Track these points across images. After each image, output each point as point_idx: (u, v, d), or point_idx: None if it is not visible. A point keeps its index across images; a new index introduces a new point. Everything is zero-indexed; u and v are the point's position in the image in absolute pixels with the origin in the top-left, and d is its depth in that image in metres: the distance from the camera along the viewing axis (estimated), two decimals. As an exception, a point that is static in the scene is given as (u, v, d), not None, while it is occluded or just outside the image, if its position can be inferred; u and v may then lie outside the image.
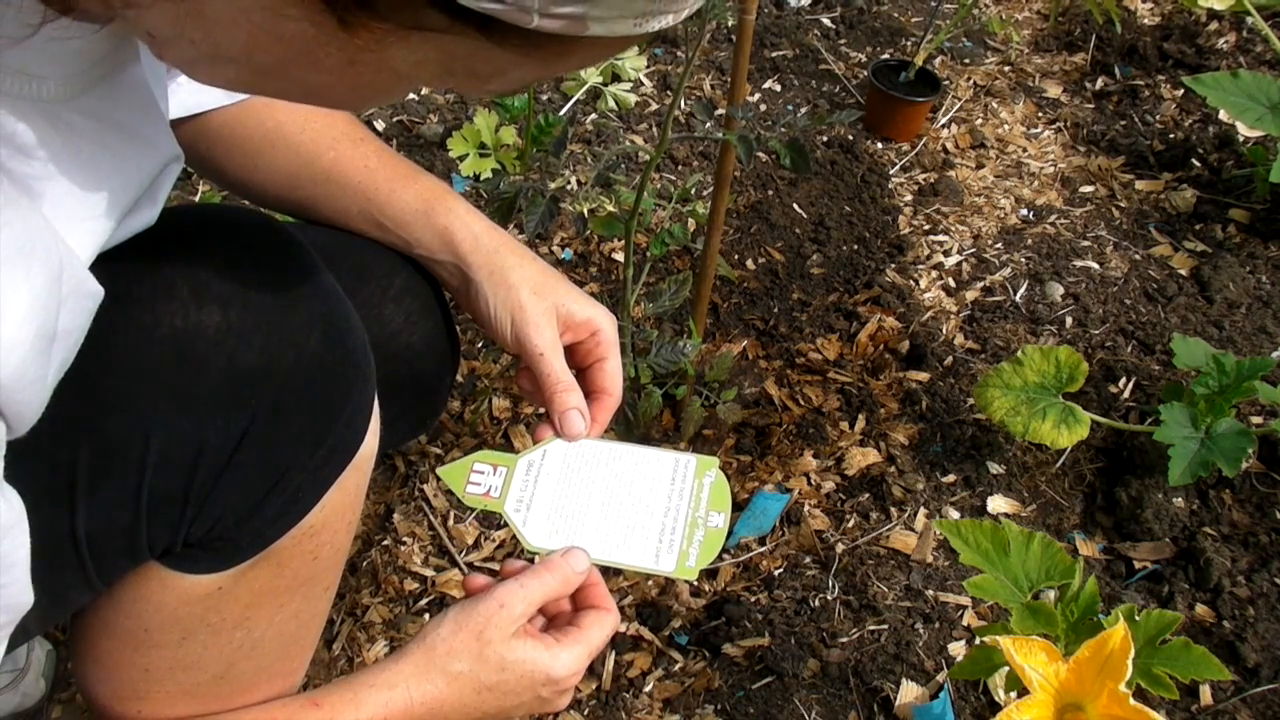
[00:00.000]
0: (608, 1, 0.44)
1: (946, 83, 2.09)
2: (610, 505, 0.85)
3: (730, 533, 1.35)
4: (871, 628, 1.25)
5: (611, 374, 0.90)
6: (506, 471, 0.85)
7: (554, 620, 0.83)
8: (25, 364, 0.50)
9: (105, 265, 0.58)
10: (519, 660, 0.76)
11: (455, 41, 0.45)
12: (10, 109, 0.50)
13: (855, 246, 1.78)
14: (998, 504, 1.39)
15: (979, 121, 2.06)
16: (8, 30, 0.48)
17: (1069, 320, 1.64)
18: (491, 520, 1.40)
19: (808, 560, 1.34)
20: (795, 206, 1.83)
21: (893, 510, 1.38)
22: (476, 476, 0.85)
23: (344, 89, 0.50)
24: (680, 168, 1.91)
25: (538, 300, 0.88)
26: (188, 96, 0.86)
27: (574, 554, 0.81)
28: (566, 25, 0.44)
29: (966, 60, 2.22)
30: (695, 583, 1.33)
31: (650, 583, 1.33)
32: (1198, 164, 1.94)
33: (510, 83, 0.51)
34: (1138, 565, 1.33)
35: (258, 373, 0.66)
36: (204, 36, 0.47)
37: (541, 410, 0.94)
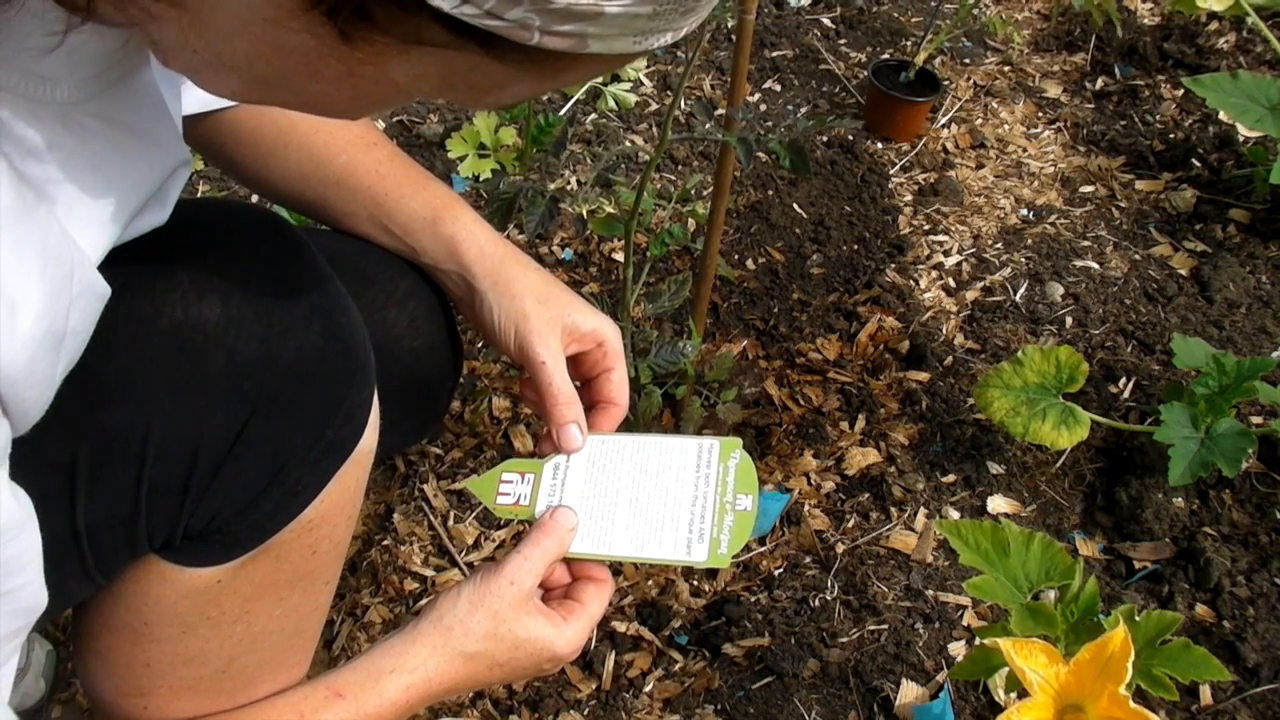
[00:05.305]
0: (608, 20, 0.44)
1: (946, 83, 2.09)
2: (638, 500, 0.84)
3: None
4: (871, 628, 1.25)
5: (618, 385, 0.90)
6: (534, 478, 0.85)
7: (552, 591, 0.84)
8: (34, 362, 0.51)
9: (107, 257, 0.58)
10: (530, 639, 0.79)
11: (456, 56, 0.46)
12: (24, 110, 0.51)
13: (855, 246, 1.77)
14: (998, 504, 1.39)
15: (979, 121, 2.06)
16: (35, 42, 0.48)
17: (1069, 320, 1.64)
18: (491, 520, 1.40)
19: (808, 560, 1.34)
20: (795, 206, 1.83)
21: (893, 510, 1.38)
22: (505, 486, 0.85)
23: (344, 99, 0.51)
24: (680, 168, 1.91)
25: (542, 310, 0.88)
26: (204, 93, 0.86)
27: (561, 511, 0.82)
28: (567, 43, 0.45)
29: (966, 60, 2.22)
30: (697, 583, 1.33)
31: (650, 582, 1.33)
32: (1198, 164, 1.94)
33: (509, 96, 0.51)
34: (1138, 565, 1.33)
35: (257, 365, 0.66)
36: (206, 46, 0.48)
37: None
